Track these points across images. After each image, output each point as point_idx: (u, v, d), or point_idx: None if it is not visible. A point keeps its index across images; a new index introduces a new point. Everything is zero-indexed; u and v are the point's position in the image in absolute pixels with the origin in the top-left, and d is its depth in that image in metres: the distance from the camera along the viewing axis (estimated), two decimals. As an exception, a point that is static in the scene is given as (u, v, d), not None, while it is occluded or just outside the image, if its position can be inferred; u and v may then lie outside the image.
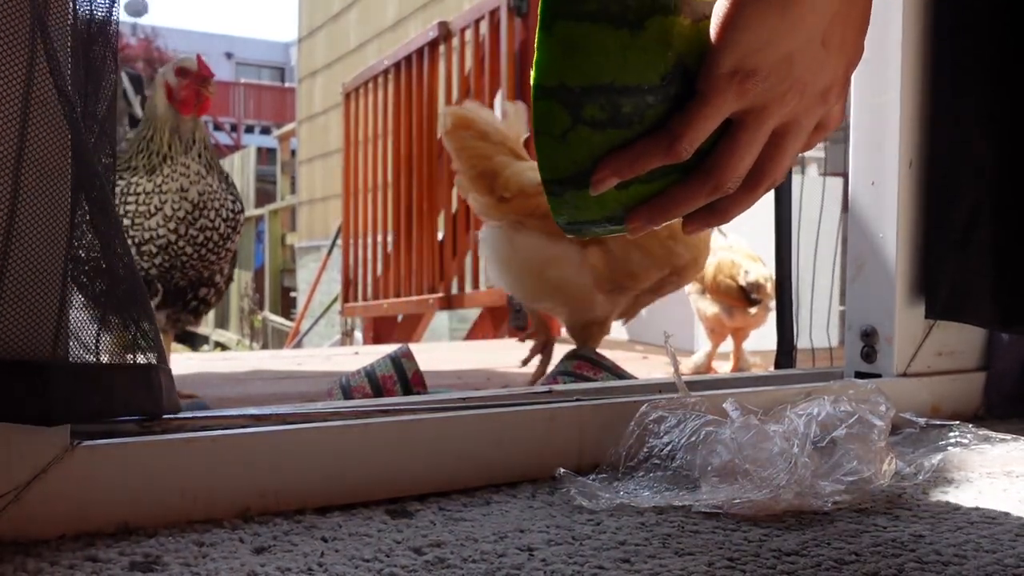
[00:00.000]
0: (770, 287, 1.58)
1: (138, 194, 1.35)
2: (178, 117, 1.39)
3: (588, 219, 0.61)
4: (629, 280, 1.30)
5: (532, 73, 0.56)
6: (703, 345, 2.01)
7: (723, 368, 1.97)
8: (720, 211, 0.60)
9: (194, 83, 1.42)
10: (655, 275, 1.30)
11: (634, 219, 0.59)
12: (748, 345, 1.88)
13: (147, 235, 1.35)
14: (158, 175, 1.36)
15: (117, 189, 1.30)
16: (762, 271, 1.66)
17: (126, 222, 1.34)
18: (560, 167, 0.57)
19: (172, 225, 1.36)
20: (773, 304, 1.46)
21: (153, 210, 1.35)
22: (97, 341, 0.67)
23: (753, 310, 1.67)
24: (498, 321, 3.43)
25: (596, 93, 0.55)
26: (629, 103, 0.55)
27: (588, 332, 1.35)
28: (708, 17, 0.55)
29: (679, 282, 1.35)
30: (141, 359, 0.70)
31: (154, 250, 1.35)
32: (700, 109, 0.54)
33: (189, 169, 1.38)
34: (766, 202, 1.34)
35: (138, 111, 1.63)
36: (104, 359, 0.67)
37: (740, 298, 1.68)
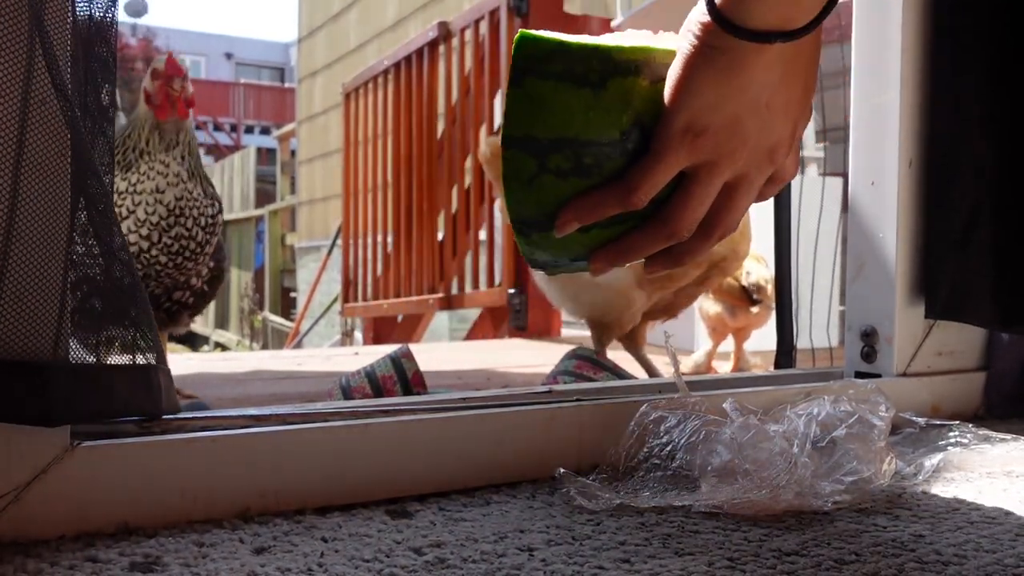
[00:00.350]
0: (771, 288, 1.58)
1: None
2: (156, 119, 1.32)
3: (554, 258, 0.67)
4: (667, 280, 1.34)
5: (502, 123, 0.62)
6: (703, 344, 2.02)
7: (723, 368, 1.97)
8: (676, 256, 0.65)
9: (164, 84, 1.33)
10: (693, 273, 1.33)
11: (596, 260, 0.65)
12: (748, 345, 1.88)
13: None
14: (133, 173, 1.28)
15: None
16: (763, 272, 1.66)
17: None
18: (527, 210, 0.63)
19: (144, 231, 1.28)
20: (774, 304, 1.46)
21: (125, 212, 1.27)
22: (97, 341, 0.67)
23: (755, 309, 1.68)
24: (498, 321, 3.43)
25: (561, 145, 0.60)
26: (590, 155, 0.60)
27: (617, 324, 1.39)
28: (664, 79, 0.60)
29: (722, 275, 1.36)
30: (140, 359, 0.70)
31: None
32: (655, 163, 0.59)
33: (168, 169, 1.30)
34: (766, 202, 1.35)
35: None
36: (104, 359, 0.67)
37: (742, 298, 1.68)
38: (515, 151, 0.61)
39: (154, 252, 1.29)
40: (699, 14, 0.58)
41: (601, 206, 0.61)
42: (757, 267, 1.69)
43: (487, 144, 1.40)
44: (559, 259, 0.68)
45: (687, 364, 1.93)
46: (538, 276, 1.46)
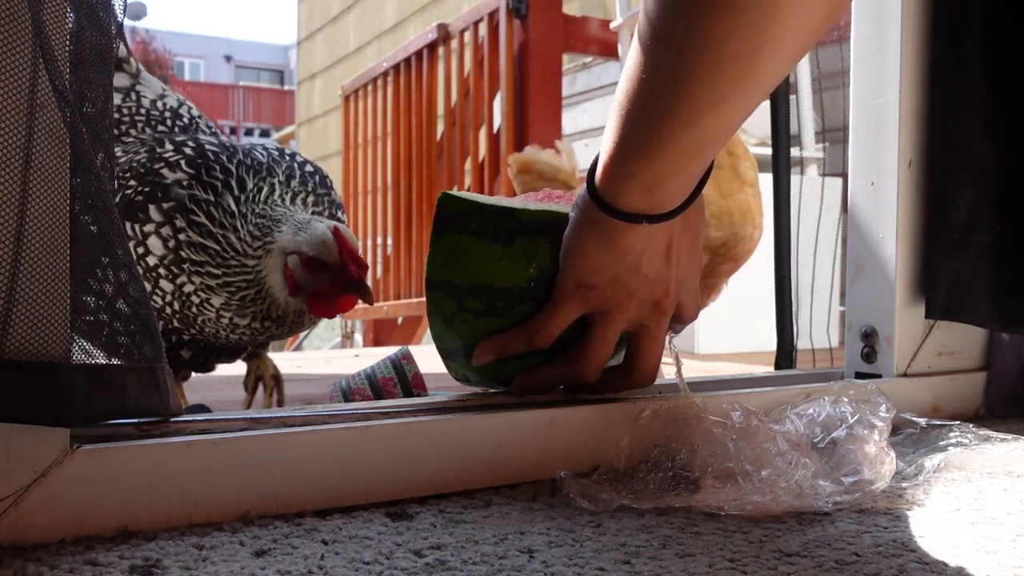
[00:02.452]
0: None
1: (222, 314, 1.07)
2: (298, 303, 1.07)
3: (481, 379, 0.78)
4: None
5: (426, 268, 0.72)
6: (704, 344, 2.02)
7: (723, 368, 1.97)
8: (600, 389, 0.78)
9: (337, 283, 1.04)
10: None
11: (517, 387, 0.77)
12: (749, 346, 1.89)
13: (223, 339, 1.13)
14: (256, 322, 1.09)
15: (174, 282, 1.06)
16: None
17: (192, 301, 1.08)
18: (449, 342, 0.74)
19: (266, 339, 1.17)
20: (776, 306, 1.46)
21: (240, 333, 1.10)
22: (107, 342, 0.67)
23: None
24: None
25: (476, 290, 0.70)
26: (502, 299, 0.71)
27: None
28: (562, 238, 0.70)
29: (733, 260, 1.35)
30: (147, 360, 0.70)
31: (230, 341, 1.16)
32: (553, 312, 0.70)
33: (303, 320, 1.13)
34: (766, 202, 1.35)
35: (120, 46, 1.33)
36: (115, 360, 0.67)
37: None
38: (437, 293, 0.71)
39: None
40: (583, 190, 0.66)
41: (510, 344, 0.72)
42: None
43: (513, 161, 1.45)
44: (484, 382, 0.79)
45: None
46: None
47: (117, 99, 1.24)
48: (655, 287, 0.69)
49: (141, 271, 1.06)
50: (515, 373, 0.76)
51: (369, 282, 3.46)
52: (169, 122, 1.23)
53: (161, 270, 1.05)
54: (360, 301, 1.06)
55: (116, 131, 1.21)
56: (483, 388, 0.82)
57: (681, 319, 0.75)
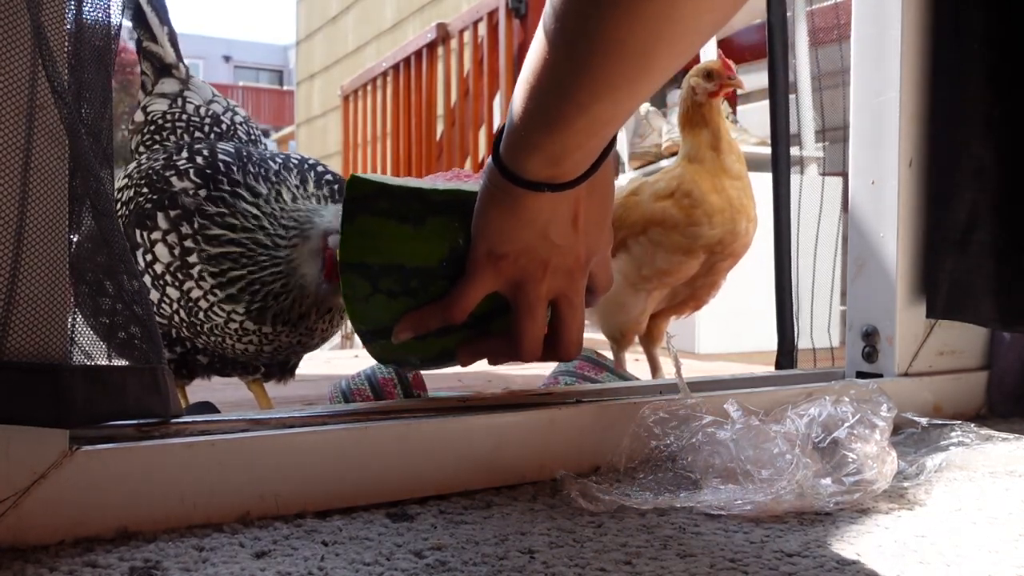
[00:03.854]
0: None
1: (231, 319, 1.05)
2: (330, 288, 1.05)
3: (402, 359, 0.78)
4: (661, 277, 1.33)
5: (338, 252, 0.72)
6: (705, 344, 2.02)
7: (723, 368, 1.97)
8: (526, 360, 0.76)
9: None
10: (692, 263, 1.32)
11: (462, 355, 0.77)
12: (749, 346, 1.88)
13: (237, 352, 1.10)
14: (274, 326, 1.07)
15: (181, 289, 1.04)
16: None
17: (206, 324, 1.07)
18: (366, 322, 0.74)
19: (269, 355, 1.11)
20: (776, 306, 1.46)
21: (248, 342, 1.08)
22: (107, 343, 0.67)
23: None
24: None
25: (389, 270, 0.71)
26: (415, 279, 0.71)
27: (621, 332, 1.41)
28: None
29: (732, 256, 1.35)
30: (148, 362, 0.70)
31: (240, 357, 1.13)
32: (466, 284, 0.70)
33: (314, 330, 1.11)
34: (766, 201, 1.35)
35: (169, 50, 1.30)
36: (115, 361, 0.67)
37: None
38: (351, 275, 0.72)
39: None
40: (490, 161, 0.69)
41: (426, 320, 0.72)
42: None
43: None
44: (407, 360, 0.79)
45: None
46: None
47: (163, 105, 1.24)
48: (566, 255, 0.70)
49: (149, 279, 1.06)
50: (435, 351, 0.76)
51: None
52: (207, 128, 1.23)
53: (168, 277, 1.04)
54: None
55: (159, 136, 1.21)
56: (406, 369, 0.83)
57: (594, 289, 0.77)
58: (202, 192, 1.05)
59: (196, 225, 1.04)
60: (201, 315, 1.05)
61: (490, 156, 0.69)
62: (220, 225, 1.04)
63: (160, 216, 1.05)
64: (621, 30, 0.57)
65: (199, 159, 1.09)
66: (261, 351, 1.08)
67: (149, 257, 1.05)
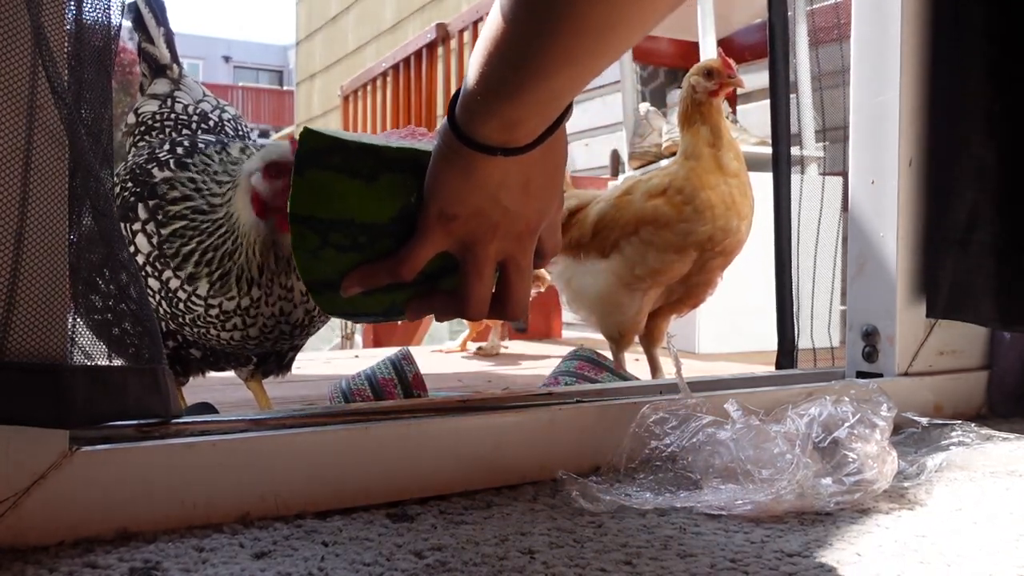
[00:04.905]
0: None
1: (210, 305, 1.03)
2: (276, 233, 1.01)
3: (351, 312, 0.77)
4: (654, 276, 1.33)
5: (289, 203, 0.72)
6: (705, 344, 2.02)
7: (724, 368, 1.97)
8: (474, 319, 0.76)
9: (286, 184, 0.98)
10: (684, 261, 1.32)
11: (409, 311, 0.76)
12: (749, 345, 1.88)
13: (222, 343, 1.07)
14: (243, 297, 1.03)
15: (160, 279, 1.03)
16: None
17: (187, 316, 1.05)
18: (314, 275, 0.74)
19: (257, 341, 1.07)
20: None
21: (232, 327, 1.05)
22: (108, 344, 0.67)
23: None
24: (499, 323, 3.43)
25: (339, 225, 0.71)
26: (364, 235, 0.72)
27: (619, 332, 1.41)
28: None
29: (723, 254, 1.34)
30: (147, 361, 0.70)
31: (230, 348, 1.10)
32: (416, 243, 0.71)
33: (292, 292, 1.04)
34: (766, 201, 1.34)
35: (164, 51, 1.29)
36: (115, 362, 0.67)
37: None
38: (300, 227, 0.72)
39: (267, 344, 1.10)
40: (444, 123, 0.69)
41: (375, 276, 0.72)
42: None
43: None
44: (356, 313, 0.78)
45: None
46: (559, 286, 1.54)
47: (153, 107, 1.25)
48: (516, 220, 0.71)
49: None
50: (384, 306, 0.76)
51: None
52: (194, 125, 1.24)
53: (148, 268, 1.04)
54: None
55: (149, 137, 1.22)
56: (357, 320, 0.82)
57: (542, 254, 0.77)
58: (174, 176, 1.06)
59: (161, 211, 1.05)
60: (181, 305, 1.05)
61: (445, 118, 0.70)
62: (169, 202, 1.05)
63: (140, 207, 1.06)
64: (582, 8, 0.58)
65: (179, 149, 1.10)
66: (247, 336, 1.05)
67: (132, 249, 1.05)
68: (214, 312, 1.04)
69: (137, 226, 1.05)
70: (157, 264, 1.04)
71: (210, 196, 1.06)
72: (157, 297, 1.05)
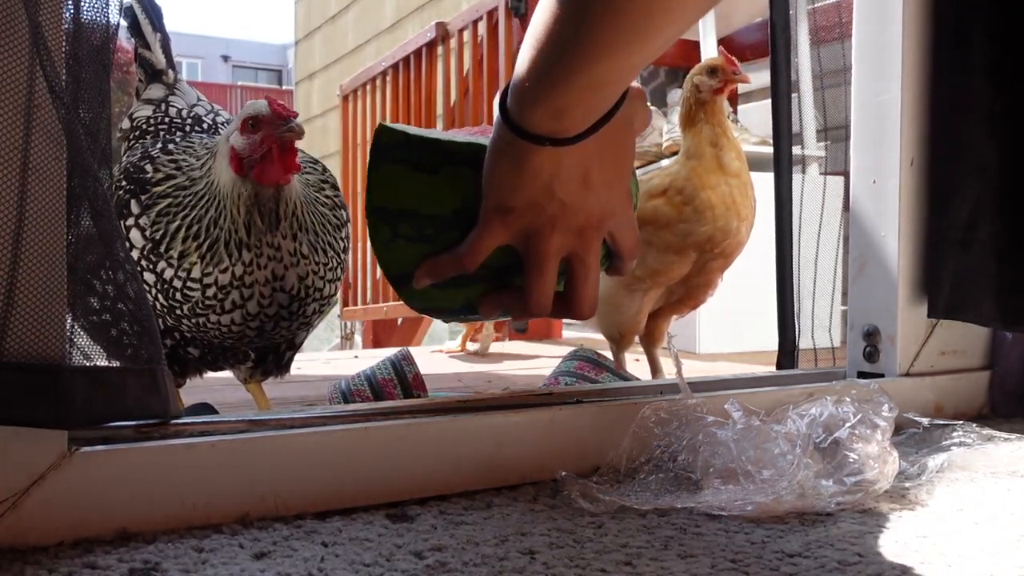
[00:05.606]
0: None
1: (206, 285, 1.02)
2: (256, 187, 1.01)
3: (430, 307, 0.80)
4: (655, 276, 1.33)
5: (364, 197, 0.76)
6: (706, 344, 2.02)
7: (724, 368, 1.97)
8: (541, 316, 0.76)
9: (270, 134, 0.99)
10: (684, 262, 1.31)
11: (483, 307, 0.78)
12: (750, 345, 1.88)
13: (223, 330, 1.06)
14: (236, 264, 1.01)
15: (155, 271, 1.03)
16: None
17: (185, 306, 1.05)
18: (391, 267, 0.77)
19: (258, 321, 1.05)
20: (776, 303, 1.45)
21: (231, 306, 1.03)
22: (107, 344, 0.67)
23: None
24: (498, 324, 3.42)
25: (407, 216, 0.74)
26: (430, 226, 0.74)
27: (619, 332, 1.41)
28: None
29: (723, 255, 1.34)
30: (146, 361, 0.70)
31: (227, 339, 1.08)
32: (477, 235, 0.72)
33: (281, 251, 1.03)
34: (767, 200, 1.34)
35: (160, 57, 1.30)
36: (114, 362, 0.67)
37: None
38: (375, 219, 0.75)
39: (268, 327, 1.08)
40: (498, 113, 0.70)
41: (441, 268, 0.74)
42: None
43: None
44: (435, 309, 0.81)
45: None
46: None
47: (148, 111, 1.27)
48: (576, 214, 0.71)
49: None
50: (459, 302, 0.79)
51: (368, 283, 3.40)
52: (187, 128, 1.25)
53: (144, 262, 1.05)
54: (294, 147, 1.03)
55: (144, 140, 1.23)
56: (445, 318, 0.85)
57: (620, 255, 0.77)
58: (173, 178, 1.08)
59: (146, 194, 1.06)
60: (178, 295, 1.05)
61: (498, 109, 0.70)
62: (153, 184, 1.07)
63: (133, 203, 1.07)
64: None
65: (171, 146, 1.12)
66: (247, 314, 1.04)
67: (127, 245, 1.06)
68: (211, 292, 1.03)
69: (131, 221, 1.07)
70: (152, 256, 1.05)
71: (190, 171, 1.07)
72: (154, 291, 1.06)
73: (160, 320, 1.09)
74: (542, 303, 0.73)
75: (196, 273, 1.03)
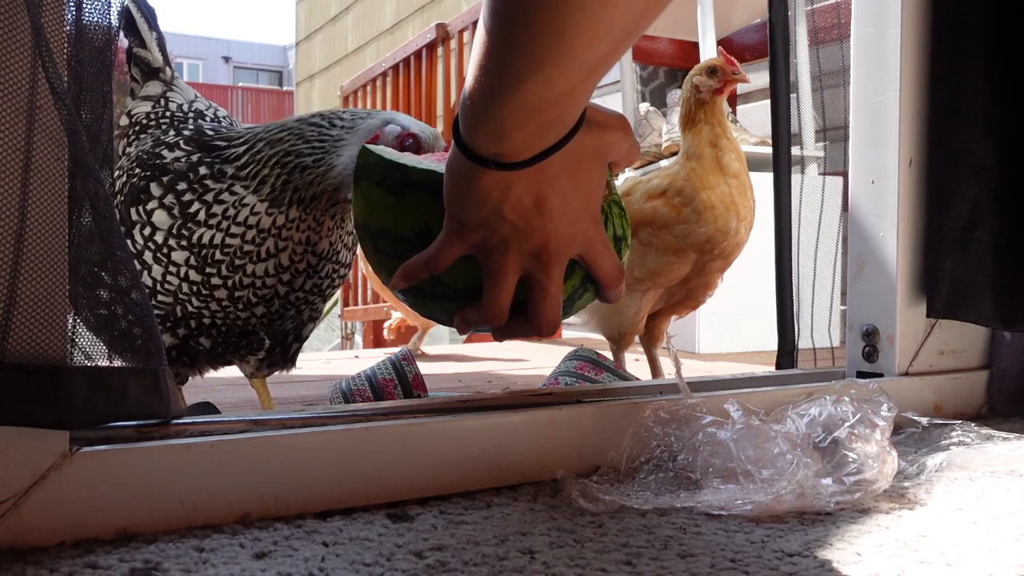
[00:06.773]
0: None
1: (249, 226, 1.04)
2: (348, 187, 1.04)
3: (424, 313, 0.84)
4: (654, 278, 1.33)
5: (351, 211, 0.85)
6: (704, 343, 2.02)
7: (724, 368, 1.97)
8: (512, 336, 0.79)
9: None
10: (683, 263, 1.31)
11: (456, 320, 0.79)
12: (750, 345, 1.88)
13: (247, 280, 1.06)
14: (282, 212, 1.04)
15: (189, 242, 1.04)
16: None
17: (214, 244, 1.05)
18: (379, 274, 0.82)
19: (288, 275, 1.08)
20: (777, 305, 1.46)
21: (265, 254, 1.05)
22: (108, 344, 0.67)
23: None
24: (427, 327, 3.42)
25: (383, 234, 0.79)
26: (400, 244, 0.78)
27: (619, 333, 1.41)
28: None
29: (722, 256, 1.34)
30: (147, 361, 0.70)
31: (254, 299, 1.08)
32: (437, 243, 0.74)
33: (321, 227, 1.08)
34: (766, 201, 1.34)
35: (156, 55, 1.29)
36: (116, 362, 0.67)
37: None
38: (361, 233, 0.82)
39: (292, 296, 1.11)
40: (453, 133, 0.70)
41: (414, 271, 0.76)
42: None
43: None
44: (430, 314, 0.84)
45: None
46: None
47: (147, 107, 1.27)
48: (529, 237, 0.71)
49: (150, 254, 1.06)
50: (438, 313, 0.82)
51: (369, 284, 3.42)
52: (190, 120, 1.26)
53: (172, 241, 1.04)
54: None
55: (145, 135, 1.23)
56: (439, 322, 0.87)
57: (601, 282, 0.77)
58: (195, 156, 1.07)
59: (201, 173, 1.06)
60: (217, 253, 1.04)
61: (452, 128, 0.71)
62: (244, 154, 1.07)
63: (154, 185, 1.07)
64: (531, 10, 0.58)
65: (186, 132, 1.13)
66: (279, 266, 1.07)
67: (148, 231, 1.06)
68: (250, 235, 1.04)
69: (153, 204, 1.06)
70: (183, 231, 1.05)
71: (348, 117, 1.07)
72: (183, 270, 1.05)
73: (179, 307, 1.09)
74: (496, 315, 0.74)
75: (251, 200, 1.04)
